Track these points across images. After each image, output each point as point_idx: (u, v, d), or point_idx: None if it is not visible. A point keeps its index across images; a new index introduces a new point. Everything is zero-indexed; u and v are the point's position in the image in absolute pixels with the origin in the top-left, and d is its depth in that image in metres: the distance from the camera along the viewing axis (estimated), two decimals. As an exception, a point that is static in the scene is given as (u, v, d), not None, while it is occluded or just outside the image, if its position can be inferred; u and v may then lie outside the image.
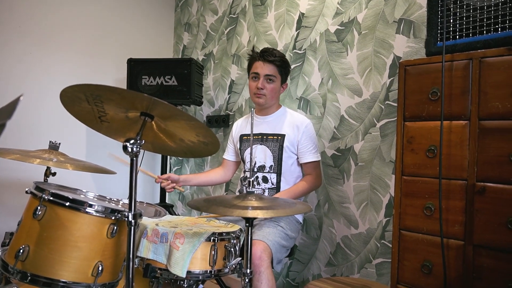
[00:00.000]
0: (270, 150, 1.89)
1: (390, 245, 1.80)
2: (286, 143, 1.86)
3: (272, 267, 1.63)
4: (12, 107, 0.63)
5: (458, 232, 1.17)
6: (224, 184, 2.71)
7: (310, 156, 1.86)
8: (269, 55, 1.85)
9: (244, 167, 2.00)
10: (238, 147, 2.02)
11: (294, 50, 2.29)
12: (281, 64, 1.86)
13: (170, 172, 3.08)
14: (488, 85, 1.13)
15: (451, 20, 1.23)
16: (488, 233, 1.12)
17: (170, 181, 1.85)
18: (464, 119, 1.18)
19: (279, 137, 1.88)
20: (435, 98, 1.22)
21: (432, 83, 1.23)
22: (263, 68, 1.84)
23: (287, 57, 2.31)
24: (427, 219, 1.23)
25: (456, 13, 1.22)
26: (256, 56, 1.88)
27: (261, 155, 1.91)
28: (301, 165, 1.92)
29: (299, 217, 1.93)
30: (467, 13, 1.20)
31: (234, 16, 2.72)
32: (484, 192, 1.13)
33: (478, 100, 1.15)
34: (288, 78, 2.03)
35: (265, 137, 1.92)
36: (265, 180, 1.89)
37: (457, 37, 1.22)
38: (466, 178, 1.16)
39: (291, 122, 1.90)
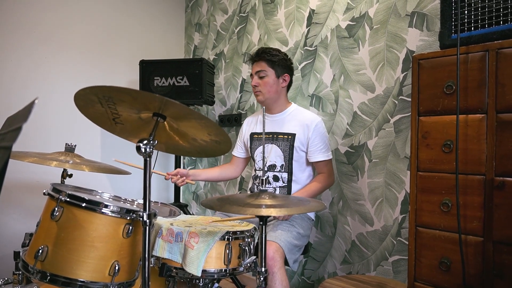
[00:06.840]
0: (281, 149, 1.88)
1: (407, 242, 1.78)
2: (296, 143, 1.85)
3: (289, 266, 1.63)
4: (27, 110, 0.64)
5: (477, 228, 1.14)
6: (238, 183, 2.72)
7: (320, 155, 1.85)
8: (257, 53, 1.89)
9: (255, 166, 1.99)
10: (249, 145, 2.02)
11: (305, 47, 2.27)
12: (270, 58, 1.86)
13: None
14: (506, 77, 1.10)
15: (466, 11, 1.20)
16: (509, 229, 1.08)
17: (179, 176, 1.87)
18: (481, 113, 1.14)
19: (290, 136, 1.87)
20: (450, 91, 1.19)
21: (447, 76, 1.20)
22: (254, 67, 1.90)
23: (298, 54, 2.30)
24: (444, 215, 1.20)
25: (471, 4, 1.19)
26: (251, 59, 1.94)
27: (272, 154, 1.90)
28: (311, 163, 1.90)
29: (311, 214, 1.92)
30: (482, 4, 1.17)
31: (244, 14, 2.71)
32: (504, 187, 1.09)
33: (495, 93, 1.12)
34: (294, 71, 2.01)
35: (275, 136, 1.91)
36: (276, 178, 1.89)
37: (472, 28, 1.19)
38: (484, 173, 1.13)
39: (301, 121, 1.88)
